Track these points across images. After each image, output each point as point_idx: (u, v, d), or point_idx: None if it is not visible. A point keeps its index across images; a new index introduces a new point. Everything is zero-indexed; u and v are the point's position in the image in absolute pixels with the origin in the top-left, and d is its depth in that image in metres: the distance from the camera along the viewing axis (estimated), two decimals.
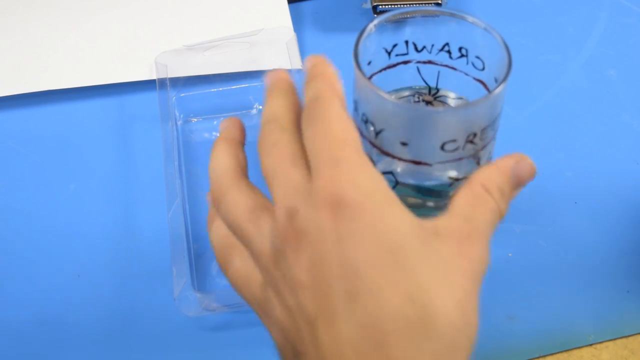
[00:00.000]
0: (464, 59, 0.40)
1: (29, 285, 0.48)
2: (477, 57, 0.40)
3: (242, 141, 0.37)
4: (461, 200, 0.34)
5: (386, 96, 0.37)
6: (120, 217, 0.51)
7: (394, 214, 0.31)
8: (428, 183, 0.40)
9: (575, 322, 0.46)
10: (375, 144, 0.38)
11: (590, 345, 0.46)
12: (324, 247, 0.30)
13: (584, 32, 0.62)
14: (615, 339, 0.46)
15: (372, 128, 0.38)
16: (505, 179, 0.35)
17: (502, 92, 0.37)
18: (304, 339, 0.31)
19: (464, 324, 0.30)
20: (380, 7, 0.61)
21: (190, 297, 0.45)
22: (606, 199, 0.51)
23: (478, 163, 0.39)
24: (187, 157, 0.54)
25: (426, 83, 0.42)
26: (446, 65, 0.41)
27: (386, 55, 0.40)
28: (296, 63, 0.57)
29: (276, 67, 0.58)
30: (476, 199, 0.34)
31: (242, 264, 0.35)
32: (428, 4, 0.61)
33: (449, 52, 0.40)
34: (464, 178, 0.39)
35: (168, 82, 0.56)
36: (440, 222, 0.33)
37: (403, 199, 0.40)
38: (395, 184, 0.39)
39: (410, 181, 0.39)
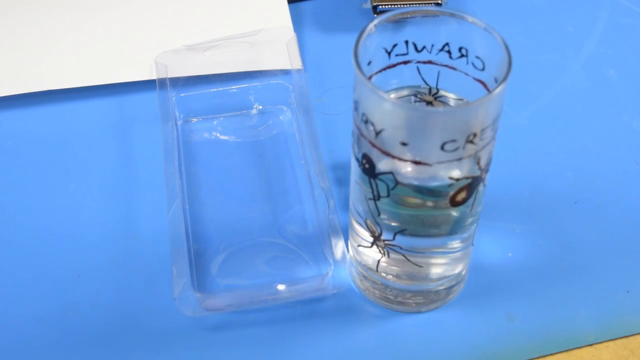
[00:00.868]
0: (464, 59, 0.40)
1: (29, 285, 0.48)
2: (477, 57, 0.40)
3: None
4: None
5: (386, 96, 0.37)
6: (120, 217, 0.51)
7: None
8: (428, 183, 0.40)
9: (575, 322, 0.46)
10: (375, 144, 0.38)
11: (590, 345, 0.46)
12: None
13: (584, 32, 0.62)
14: (615, 339, 0.46)
15: (372, 128, 0.38)
16: None
17: (502, 92, 0.37)
18: None
19: None
20: (380, 7, 0.61)
21: (190, 297, 0.45)
22: (606, 199, 0.51)
23: (478, 163, 0.39)
24: (187, 157, 0.54)
25: (426, 83, 0.42)
26: (446, 65, 0.41)
27: (386, 55, 0.40)
28: (296, 63, 0.57)
29: (276, 67, 0.58)
30: None
31: None
32: (428, 4, 0.61)
33: (449, 52, 0.40)
34: (464, 178, 0.39)
35: (168, 82, 0.56)
36: None
37: (403, 199, 0.40)
38: (395, 184, 0.39)
39: (410, 181, 0.39)
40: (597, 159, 0.54)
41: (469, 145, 0.38)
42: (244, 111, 0.57)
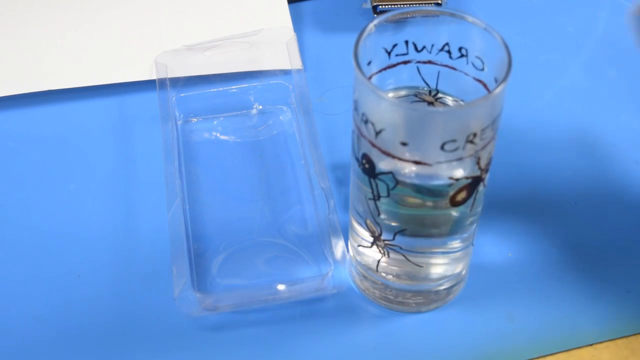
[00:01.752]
0: (464, 59, 0.40)
1: (29, 285, 0.48)
2: (477, 57, 0.40)
3: None
4: None
5: (386, 96, 0.37)
6: (120, 217, 0.51)
7: None
8: (428, 183, 0.40)
9: (575, 322, 0.46)
10: (375, 144, 0.38)
11: (590, 345, 0.46)
12: None
13: (584, 32, 0.62)
14: (615, 339, 0.46)
15: (372, 128, 0.38)
16: None
17: (502, 92, 0.37)
18: None
19: None
20: (380, 7, 0.61)
21: (190, 297, 0.46)
22: (606, 199, 0.51)
23: (478, 163, 0.39)
24: (187, 157, 0.54)
25: (426, 83, 0.42)
26: (446, 65, 0.41)
27: (386, 55, 0.41)
28: (296, 63, 0.57)
29: (276, 67, 0.58)
30: None
31: None
32: (428, 4, 0.61)
33: (449, 52, 0.40)
34: (464, 178, 0.39)
35: (168, 82, 0.56)
36: None
37: (403, 199, 0.40)
38: (395, 184, 0.39)
39: (411, 181, 0.39)
40: (597, 159, 0.54)
41: (469, 145, 0.38)
42: (244, 111, 0.57)
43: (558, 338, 0.46)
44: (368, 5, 0.62)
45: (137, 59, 0.59)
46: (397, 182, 0.39)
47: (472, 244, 0.45)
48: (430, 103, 0.42)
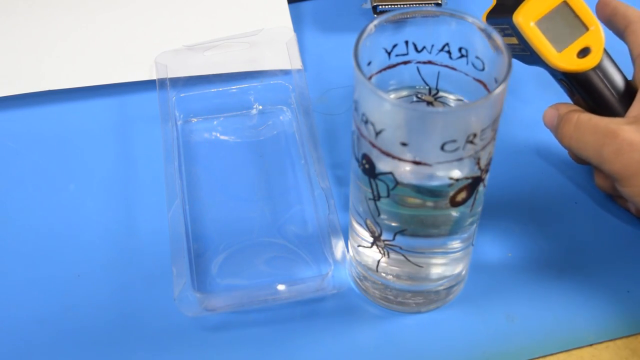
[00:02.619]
0: (464, 59, 0.40)
1: (29, 285, 0.48)
2: (477, 58, 0.40)
3: None
4: None
5: (386, 96, 0.37)
6: (120, 217, 0.51)
7: None
8: (428, 183, 0.40)
9: (575, 322, 0.46)
10: (376, 144, 0.38)
11: (590, 345, 0.46)
12: None
13: None
14: (615, 339, 0.46)
15: (372, 128, 0.38)
16: None
17: (502, 92, 0.37)
18: None
19: None
20: (380, 7, 0.61)
21: (190, 297, 0.46)
22: (606, 199, 0.51)
23: (478, 163, 0.39)
24: (187, 157, 0.54)
25: (426, 83, 0.42)
26: (446, 66, 0.41)
27: (386, 55, 0.41)
28: (296, 63, 0.57)
29: (276, 67, 0.58)
30: None
31: None
32: (428, 4, 0.61)
33: (449, 52, 0.40)
34: (464, 178, 0.39)
35: (168, 82, 0.56)
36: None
37: (403, 199, 0.40)
38: (395, 184, 0.39)
39: (411, 181, 0.39)
40: None
41: (469, 146, 0.38)
42: (244, 111, 0.57)
43: (558, 338, 0.46)
44: (368, 5, 0.62)
45: (137, 59, 0.59)
46: (397, 182, 0.39)
47: (472, 244, 0.45)
48: (430, 103, 0.42)
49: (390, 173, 0.39)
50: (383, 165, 0.39)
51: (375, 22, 0.39)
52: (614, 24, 0.49)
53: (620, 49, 0.49)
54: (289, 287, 0.46)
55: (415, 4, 0.61)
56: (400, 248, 0.43)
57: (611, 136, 0.45)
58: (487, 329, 0.46)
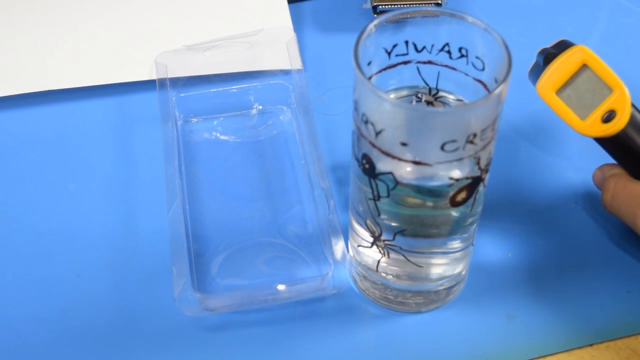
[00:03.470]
0: (464, 59, 0.40)
1: (29, 285, 0.48)
2: (477, 58, 0.40)
3: None
4: None
5: (386, 96, 0.37)
6: (120, 217, 0.51)
7: None
8: (428, 183, 0.40)
9: (575, 322, 0.46)
10: (375, 144, 0.38)
11: (590, 345, 0.46)
12: None
13: (584, 32, 0.62)
14: (615, 339, 0.46)
15: (372, 128, 0.38)
16: None
17: (502, 92, 0.37)
18: None
19: None
20: (380, 7, 0.61)
21: (190, 297, 0.45)
22: None
23: (478, 163, 0.39)
24: (187, 157, 0.54)
25: (426, 83, 0.42)
26: (446, 66, 0.41)
27: (386, 55, 0.41)
28: (296, 63, 0.57)
29: (276, 67, 0.58)
30: None
31: None
32: (428, 4, 0.61)
33: (449, 52, 0.40)
34: (464, 178, 0.39)
35: (168, 82, 0.56)
36: None
37: (403, 199, 0.40)
38: (395, 184, 0.39)
39: (410, 181, 0.39)
40: (597, 159, 0.54)
41: (469, 146, 0.38)
42: (244, 111, 0.57)
43: (558, 338, 0.46)
44: (368, 5, 0.62)
45: (137, 59, 0.59)
46: (397, 182, 0.39)
47: (472, 244, 0.45)
48: (430, 103, 0.42)
49: (390, 173, 0.39)
50: (383, 165, 0.39)
51: (375, 22, 0.39)
52: None
53: None
54: (289, 287, 0.46)
55: (415, 4, 0.61)
56: (400, 248, 0.43)
57: None
58: (487, 329, 0.46)
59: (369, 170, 0.40)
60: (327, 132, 0.55)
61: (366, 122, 0.38)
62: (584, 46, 0.45)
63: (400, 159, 0.38)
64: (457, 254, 0.44)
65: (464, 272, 0.47)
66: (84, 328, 0.46)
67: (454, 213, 0.41)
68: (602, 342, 0.46)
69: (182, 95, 0.57)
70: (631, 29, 0.63)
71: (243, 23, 0.61)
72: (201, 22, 0.62)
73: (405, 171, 0.39)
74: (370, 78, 0.40)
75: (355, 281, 0.48)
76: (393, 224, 0.42)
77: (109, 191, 0.52)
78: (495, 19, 0.63)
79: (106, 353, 0.45)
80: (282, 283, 0.46)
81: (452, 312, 0.47)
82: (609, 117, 0.45)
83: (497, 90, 0.37)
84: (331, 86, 0.58)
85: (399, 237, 0.42)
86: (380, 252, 0.44)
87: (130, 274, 0.48)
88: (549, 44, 0.49)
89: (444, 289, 0.46)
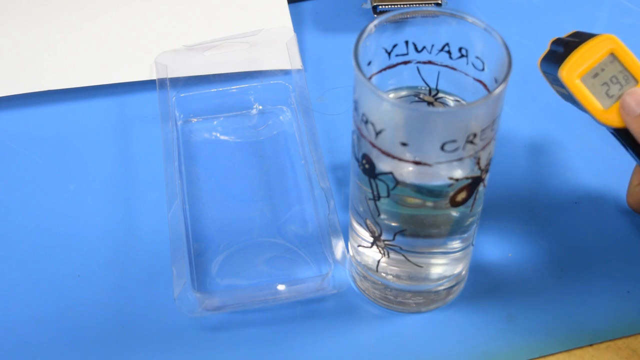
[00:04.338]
0: (464, 59, 0.40)
1: (29, 285, 0.48)
2: (477, 58, 0.40)
3: None
4: None
5: (386, 96, 0.37)
6: (120, 217, 0.51)
7: None
8: (428, 183, 0.40)
9: (575, 322, 0.46)
10: (376, 144, 0.38)
11: (590, 345, 0.46)
12: None
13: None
14: (615, 339, 0.46)
15: (372, 128, 0.38)
16: None
17: (502, 92, 0.37)
18: None
19: None
20: (380, 7, 0.61)
21: (190, 297, 0.46)
22: (606, 199, 0.51)
23: (478, 163, 0.39)
24: (187, 157, 0.54)
25: (426, 83, 0.42)
26: (446, 66, 0.41)
27: (386, 55, 0.41)
28: (296, 63, 0.57)
29: (276, 67, 0.58)
30: None
31: None
32: (428, 4, 0.61)
33: (449, 52, 0.40)
34: (464, 178, 0.39)
35: (168, 82, 0.56)
36: None
37: (403, 199, 0.40)
38: (395, 184, 0.39)
39: (411, 181, 0.39)
40: (597, 159, 0.54)
41: (469, 146, 0.38)
42: (244, 111, 0.57)
43: (558, 338, 0.46)
44: (368, 5, 0.62)
45: (137, 59, 0.59)
46: (397, 182, 0.39)
47: (472, 244, 0.45)
48: (430, 103, 0.42)
49: (390, 173, 0.39)
50: (383, 165, 0.39)
51: (375, 22, 0.39)
52: None
53: None
54: (289, 287, 0.46)
55: (415, 4, 0.61)
56: (400, 248, 0.43)
57: None
58: (487, 329, 0.46)
59: (369, 170, 0.40)
60: (327, 132, 0.55)
61: (366, 122, 0.38)
62: (613, 35, 0.45)
63: (400, 159, 0.38)
64: (457, 254, 0.44)
65: (464, 272, 0.47)
66: (84, 328, 0.46)
67: (454, 213, 0.41)
68: (602, 342, 0.46)
69: (182, 95, 0.57)
70: (631, 29, 0.63)
71: (243, 23, 0.61)
72: (201, 22, 0.62)
73: (405, 171, 0.39)
74: (370, 78, 0.40)
75: (355, 281, 0.48)
76: (393, 224, 0.42)
77: (109, 191, 0.52)
78: (495, 19, 0.63)
79: (106, 353, 0.45)
80: (282, 283, 0.46)
81: (452, 312, 0.47)
82: None
83: (497, 90, 0.37)
84: (331, 86, 0.58)
85: (399, 237, 0.42)
86: (380, 252, 0.44)
87: (130, 274, 0.48)
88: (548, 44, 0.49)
89: (444, 289, 0.46)
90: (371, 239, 0.44)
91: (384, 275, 0.45)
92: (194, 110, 0.56)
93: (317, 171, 0.51)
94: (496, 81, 0.38)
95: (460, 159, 0.38)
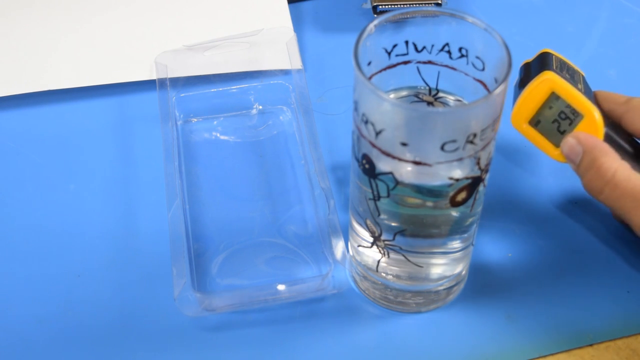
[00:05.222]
0: (464, 59, 0.40)
1: (29, 285, 0.48)
2: (477, 58, 0.40)
3: None
4: None
5: (386, 96, 0.37)
6: (120, 217, 0.51)
7: None
8: (428, 183, 0.40)
9: (575, 322, 0.46)
10: (376, 145, 0.38)
11: (590, 345, 0.46)
12: None
13: (584, 32, 0.62)
14: (615, 339, 0.46)
15: (372, 128, 0.38)
16: None
17: (502, 92, 0.37)
18: None
19: None
20: (380, 7, 0.61)
21: (190, 297, 0.45)
22: None
23: (478, 163, 0.39)
24: (187, 157, 0.54)
25: (426, 83, 0.42)
26: (446, 66, 0.41)
27: (386, 55, 0.41)
28: (296, 63, 0.57)
29: (276, 67, 0.58)
30: None
31: None
32: (428, 4, 0.61)
33: (449, 52, 0.40)
34: (464, 178, 0.39)
35: (168, 82, 0.56)
36: None
37: (403, 199, 0.40)
38: (395, 184, 0.39)
39: (411, 181, 0.39)
40: None
41: (469, 146, 0.38)
42: (244, 111, 0.57)
43: (558, 338, 0.46)
44: (368, 5, 0.62)
45: (137, 59, 0.59)
46: (397, 182, 0.39)
47: (472, 244, 0.45)
48: (430, 103, 0.42)
49: (390, 173, 0.39)
50: (383, 165, 0.39)
51: (375, 22, 0.39)
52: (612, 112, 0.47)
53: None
54: (289, 287, 0.46)
55: (415, 4, 0.61)
56: (400, 248, 0.43)
57: None
58: (487, 329, 0.46)
59: (369, 170, 0.40)
60: (327, 132, 0.55)
61: (366, 122, 0.38)
62: (551, 72, 0.45)
63: (400, 159, 0.38)
64: (457, 254, 0.44)
65: (464, 272, 0.47)
66: (84, 328, 0.46)
67: (454, 213, 0.41)
68: (602, 342, 0.46)
69: (182, 95, 0.57)
70: (631, 29, 0.63)
71: (243, 23, 0.61)
72: (201, 22, 0.62)
73: (405, 171, 0.39)
74: (370, 78, 0.40)
75: (355, 281, 0.48)
76: (393, 224, 0.42)
77: (109, 191, 0.52)
78: (495, 19, 0.63)
79: (106, 353, 0.45)
80: (282, 283, 0.46)
81: (452, 312, 0.47)
82: None
83: (497, 90, 0.37)
84: (331, 86, 0.58)
85: (399, 237, 0.42)
86: (380, 252, 0.44)
87: (131, 274, 0.48)
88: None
89: (444, 289, 0.46)
90: (371, 239, 0.44)
91: (384, 275, 0.45)
92: (194, 110, 0.56)
93: (317, 171, 0.51)
94: (496, 81, 0.38)
95: (460, 159, 0.38)
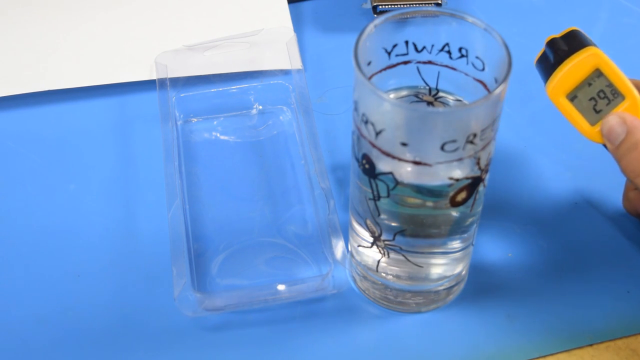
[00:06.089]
0: (464, 59, 0.40)
1: (29, 285, 0.48)
2: (477, 58, 0.40)
3: None
4: None
5: (386, 96, 0.37)
6: (120, 217, 0.51)
7: None
8: (428, 183, 0.40)
9: (575, 322, 0.46)
10: (375, 145, 0.38)
11: (590, 345, 0.46)
12: None
13: (584, 32, 0.62)
14: (615, 339, 0.46)
15: (372, 128, 0.38)
16: None
17: (502, 92, 0.37)
18: None
19: None
20: (380, 7, 0.61)
21: (190, 297, 0.46)
22: (606, 200, 0.51)
23: (478, 163, 0.39)
24: (187, 157, 0.54)
25: (426, 83, 0.42)
26: (446, 66, 0.41)
27: (386, 55, 0.41)
28: (296, 63, 0.57)
29: (276, 67, 0.58)
30: None
31: None
32: (428, 4, 0.61)
33: (449, 52, 0.40)
34: (464, 178, 0.39)
35: (168, 82, 0.56)
36: None
37: (403, 199, 0.40)
38: (395, 184, 0.39)
39: (410, 181, 0.39)
40: (597, 159, 0.54)
41: (469, 146, 0.38)
42: (244, 111, 0.57)
43: (558, 338, 0.46)
44: (368, 5, 0.62)
45: (137, 59, 0.59)
46: (397, 182, 0.39)
47: (472, 244, 0.45)
48: (430, 103, 0.42)
49: (390, 173, 0.39)
50: (383, 165, 0.39)
51: (375, 22, 0.39)
52: None
53: None
54: (289, 287, 0.46)
55: (415, 4, 0.61)
56: (400, 248, 0.43)
57: None
58: (487, 329, 0.46)
59: (369, 170, 0.40)
60: (327, 132, 0.55)
61: (366, 122, 0.38)
62: (597, 49, 0.44)
63: (400, 159, 0.38)
64: (457, 254, 0.44)
65: (464, 272, 0.47)
66: (84, 328, 0.46)
67: (454, 213, 0.41)
68: (602, 342, 0.46)
69: (182, 95, 0.57)
70: (631, 29, 0.63)
71: (243, 23, 0.61)
72: (201, 22, 0.62)
73: (405, 171, 0.39)
74: (370, 78, 0.40)
75: (355, 281, 0.48)
76: (393, 224, 0.42)
77: (108, 191, 0.52)
78: (495, 19, 0.63)
79: (106, 353, 0.45)
80: (282, 283, 0.46)
81: (452, 312, 0.47)
82: None
83: (497, 90, 0.37)
84: (331, 86, 0.58)
85: (399, 237, 0.42)
86: (380, 252, 0.44)
87: (131, 274, 0.48)
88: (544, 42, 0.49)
89: (444, 289, 0.46)
90: (371, 239, 0.44)
91: (384, 275, 0.45)
92: (194, 110, 0.56)
93: (317, 171, 0.51)
94: (496, 81, 0.38)
95: (460, 159, 0.38)
